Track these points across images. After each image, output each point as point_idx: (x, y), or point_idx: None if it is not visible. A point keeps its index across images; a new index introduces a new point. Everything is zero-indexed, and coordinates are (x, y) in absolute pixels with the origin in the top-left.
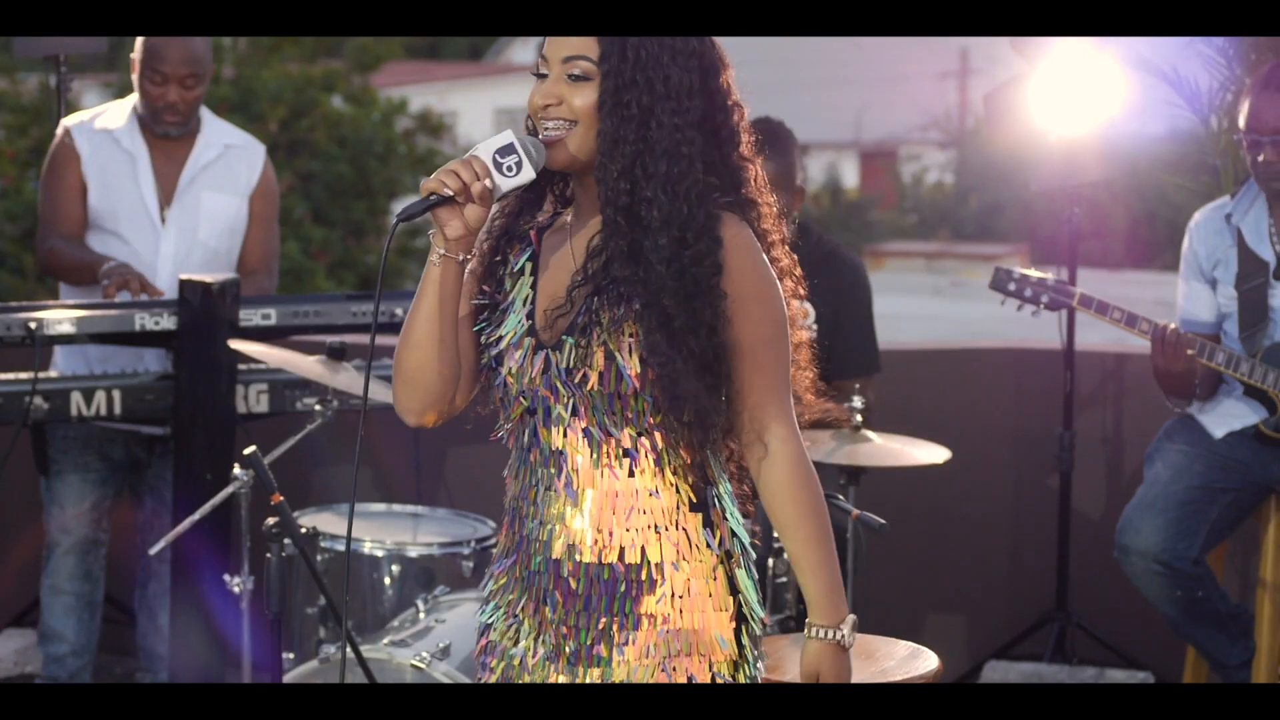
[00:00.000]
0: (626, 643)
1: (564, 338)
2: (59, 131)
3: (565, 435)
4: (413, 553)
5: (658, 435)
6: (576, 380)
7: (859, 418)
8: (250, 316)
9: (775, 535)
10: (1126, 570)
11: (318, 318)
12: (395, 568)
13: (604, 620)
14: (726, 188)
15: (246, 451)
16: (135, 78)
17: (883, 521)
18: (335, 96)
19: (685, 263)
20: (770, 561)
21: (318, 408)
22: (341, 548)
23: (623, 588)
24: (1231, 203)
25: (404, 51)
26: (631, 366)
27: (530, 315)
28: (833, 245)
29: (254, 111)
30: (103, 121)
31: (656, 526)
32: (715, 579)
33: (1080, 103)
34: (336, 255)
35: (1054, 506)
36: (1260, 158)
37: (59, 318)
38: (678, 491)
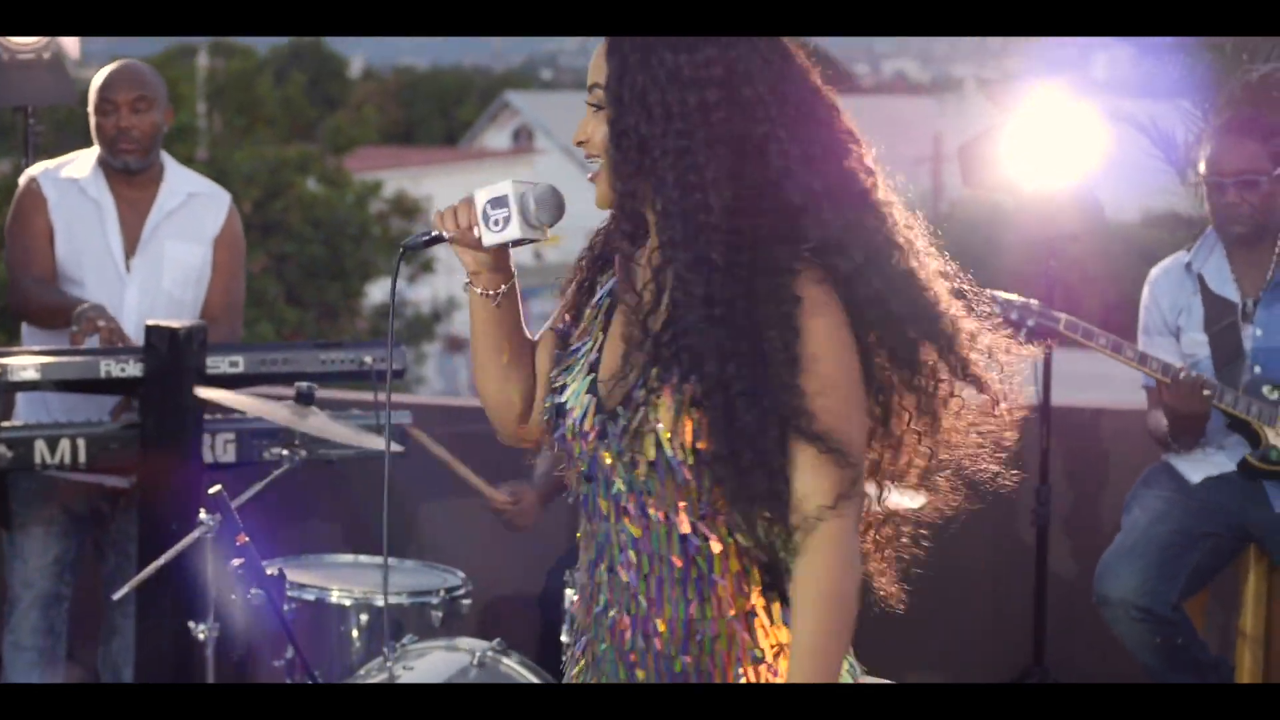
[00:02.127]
0: None
1: (619, 409)
2: (24, 179)
3: (625, 512)
4: (381, 602)
5: (720, 521)
6: (626, 460)
7: None
8: (218, 364)
9: None
10: (1106, 617)
11: (286, 365)
12: (363, 617)
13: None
14: (799, 219)
15: (211, 491)
16: (92, 128)
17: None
18: (310, 178)
19: (747, 330)
20: None
21: (285, 453)
22: (309, 597)
23: (694, 680)
24: (1189, 254)
25: (378, 136)
26: (683, 457)
27: (595, 366)
28: None
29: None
30: (68, 170)
31: (729, 618)
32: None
33: (1057, 154)
34: (310, 336)
35: (1031, 561)
36: (1224, 199)
37: (23, 364)
38: (747, 573)
